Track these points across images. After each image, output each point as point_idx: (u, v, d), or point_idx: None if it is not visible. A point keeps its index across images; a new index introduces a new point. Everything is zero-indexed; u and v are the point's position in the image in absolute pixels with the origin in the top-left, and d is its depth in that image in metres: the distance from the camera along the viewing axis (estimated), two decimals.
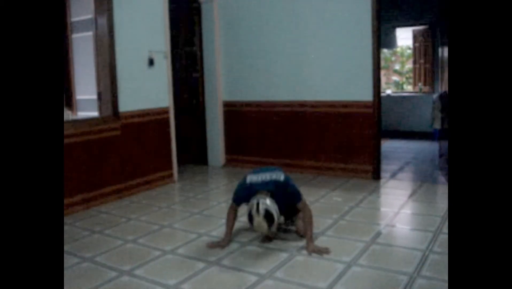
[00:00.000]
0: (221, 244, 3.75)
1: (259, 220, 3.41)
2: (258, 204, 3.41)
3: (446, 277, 3.04)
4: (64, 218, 4.61)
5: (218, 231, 4.10)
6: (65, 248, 3.83)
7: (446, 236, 3.81)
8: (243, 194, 3.71)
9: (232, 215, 3.80)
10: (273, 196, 3.55)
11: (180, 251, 3.72)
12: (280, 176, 3.68)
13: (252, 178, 3.70)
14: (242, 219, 4.02)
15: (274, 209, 3.44)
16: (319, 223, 4.20)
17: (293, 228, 3.97)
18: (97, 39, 5.31)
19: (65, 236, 4.12)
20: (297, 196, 3.71)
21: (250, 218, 3.47)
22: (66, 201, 4.71)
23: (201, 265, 3.41)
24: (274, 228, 3.55)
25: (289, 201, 3.71)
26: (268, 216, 3.41)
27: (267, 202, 3.43)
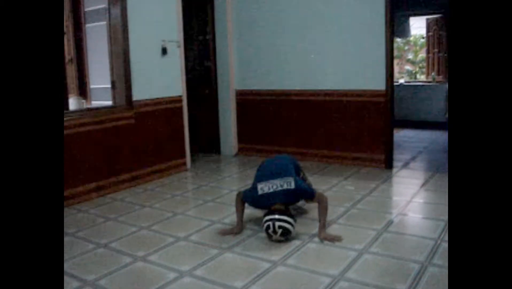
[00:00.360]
0: (234, 231, 3.79)
1: (276, 237, 3.48)
2: (274, 225, 3.43)
3: None
4: (79, 205, 4.69)
5: (231, 218, 4.14)
6: (80, 234, 3.90)
7: None
8: (254, 202, 3.74)
9: (241, 206, 3.84)
10: (286, 203, 3.61)
11: (193, 237, 3.77)
12: (291, 183, 3.60)
13: (263, 188, 3.62)
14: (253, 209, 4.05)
15: (290, 223, 3.47)
16: (332, 211, 4.22)
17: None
18: (110, 28, 5.35)
19: (80, 222, 4.20)
20: (309, 195, 3.69)
21: (267, 233, 3.52)
22: (81, 188, 4.78)
23: (214, 251, 3.46)
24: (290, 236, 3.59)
25: (302, 198, 3.76)
26: (285, 233, 3.47)
27: (283, 219, 3.44)
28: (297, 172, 3.98)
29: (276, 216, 3.44)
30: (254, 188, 3.71)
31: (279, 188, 3.58)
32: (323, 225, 3.64)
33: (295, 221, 3.54)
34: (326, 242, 3.54)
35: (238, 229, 3.81)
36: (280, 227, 3.42)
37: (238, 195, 3.89)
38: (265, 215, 3.53)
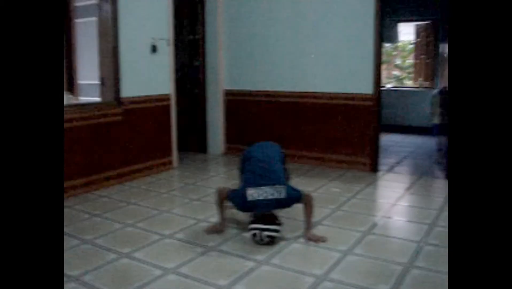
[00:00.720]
0: (218, 228, 3.80)
1: (263, 244, 3.50)
2: (261, 235, 3.44)
3: (440, 268, 3.11)
4: (65, 200, 4.66)
5: (217, 217, 4.14)
6: (66, 230, 3.88)
7: (441, 229, 3.87)
8: (242, 207, 3.65)
9: (223, 202, 3.77)
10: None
11: (179, 235, 3.77)
12: (281, 192, 3.51)
13: (253, 195, 3.51)
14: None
15: (276, 230, 3.49)
16: (317, 212, 4.24)
17: None
18: (100, 24, 5.33)
19: (66, 218, 4.17)
20: (298, 199, 3.63)
21: (253, 239, 3.53)
22: (67, 184, 4.76)
23: (199, 249, 3.47)
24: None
25: (291, 205, 3.70)
26: (271, 241, 3.50)
27: (270, 228, 3.45)
28: (283, 162, 3.96)
29: (263, 226, 3.43)
30: (243, 192, 3.57)
31: (270, 196, 3.49)
32: (309, 225, 3.67)
33: (281, 225, 3.55)
34: (311, 242, 3.56)
35: (222, 226, 3.82)
36: (267, 236, 3.44)
37: (220, 191, 3.80)
38: (252, 221, 3.50)
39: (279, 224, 3.51)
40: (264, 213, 3.48)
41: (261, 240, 3.45)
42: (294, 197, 3.60)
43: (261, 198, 3.49)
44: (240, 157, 4.09)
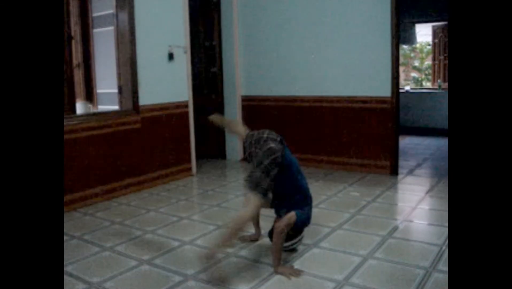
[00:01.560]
0: (252, 238, 3.74)
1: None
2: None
3: None
4: (85, 208, 4.71)
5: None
6: (86, 237, 3.92)
7: None
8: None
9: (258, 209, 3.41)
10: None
11: (199, 242, 3.78)
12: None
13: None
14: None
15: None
16: (336, 217, 4.24)
17: None
18: (118, 33, 5.39)
19: (86, 226, 4.22)
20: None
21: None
22: (87, 192, 4.81)
23: (219, 255, 3.46)
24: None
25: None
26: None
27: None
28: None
29: (296, 241, 3.43)
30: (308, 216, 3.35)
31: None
32: (274, 258, 3.23)
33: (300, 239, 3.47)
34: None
35: (257, 234, 3.76)
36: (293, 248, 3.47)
37: (257, 197, 3.12)
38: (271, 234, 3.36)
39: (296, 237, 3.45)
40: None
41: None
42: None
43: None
44: (270, 157, 3.26)
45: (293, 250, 3.48)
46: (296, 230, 3.33)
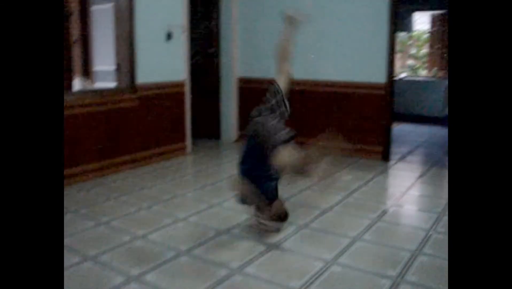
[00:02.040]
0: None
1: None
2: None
3: (447, 256, 3.16)
4: (81, 183, 4.78)
5: (230, 202, 4.23)
6: (82, 211, 3.99)
7: None
8: None
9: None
10: None
11: (192, 219, 3.87)
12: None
13: None
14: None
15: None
16: (328, 199, 4.33)
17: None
18: (116, 11, 5.40)
19: (82, 201, 4.29)
20: None
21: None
22: (83, 168, 4.87)
23: (212, 232, 3.56)
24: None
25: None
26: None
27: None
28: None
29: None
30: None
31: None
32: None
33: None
34: (320, 227, 3.56)
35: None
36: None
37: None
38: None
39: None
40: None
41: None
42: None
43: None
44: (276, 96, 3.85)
45: (278, 230, 3.56)
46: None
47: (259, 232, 3.55)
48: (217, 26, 7.04)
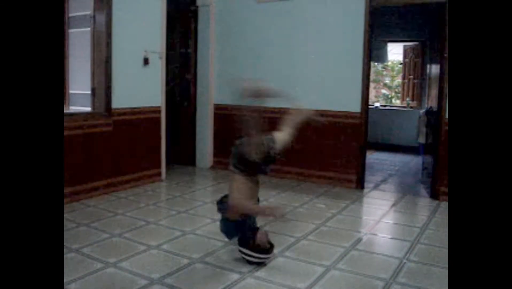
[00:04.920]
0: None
1: None
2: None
3: (420, 284, 3.18)
4: None
5: (203, 229, 4.20)
6: None
7: (423, 246, 3.95)
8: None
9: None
10: None
11: (165, 246, 3.81)
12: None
13: None
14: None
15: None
16: (302, 227, 4.32)
17: None
18: (94, 35, 5.39)
19: None
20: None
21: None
22: None
23: (185, 261, 3.51)
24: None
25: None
26: None
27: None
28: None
29: (265, 256, 3.45)
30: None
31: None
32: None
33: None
34: (293, 256, 3.56)
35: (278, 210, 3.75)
36: (263, 261, 3.49)
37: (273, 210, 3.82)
38: (246, 243, 3.47)
39: (272, 247, 3.50)
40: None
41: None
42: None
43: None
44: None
45: (263, 263, 3.49)
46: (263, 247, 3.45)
47: (236, 261, 3.51)
48: (194, 53, 7.08)
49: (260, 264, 3.44)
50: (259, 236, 3.42)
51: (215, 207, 3.74)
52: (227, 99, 6.98)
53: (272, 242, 3.55)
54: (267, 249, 3.46)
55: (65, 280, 3.10)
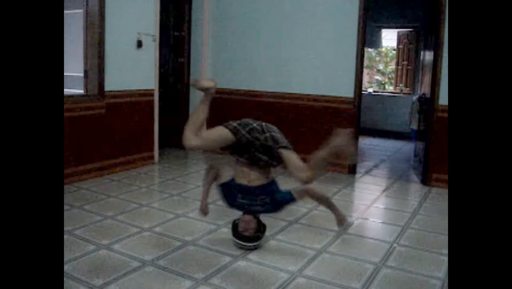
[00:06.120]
0: (202, 209, 3.67)
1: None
2: (242, 247, 3.45)
3: (409, 268, 3.23)
4: None
5: (196, 212, 4.21)
6: None
7: (413, 231, 4.00)
8: (231, 204, 3.53)
9: (211, 185, 3.62)
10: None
11: (158, 229, 3.83)
12: (266, 202, 3.41)
13: (240, 200, 3.45)
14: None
15: (256, 245, 3.46)
16: (293, 212, 4.35)
17: None
18: (87, 17, 5.33)
19: None
20: (288, 201, 3.48)
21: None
22: None
23: (177, 243, 3.53)
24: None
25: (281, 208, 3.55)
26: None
27: (251, 246, 3.44)
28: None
29: (245, 244, 3.43)
30: (233, 192, 3.47)
31: (256, 208, 3.44)
32: (336, 214, 3.54)
33: (261, 235, 3.52)
34: (283, 243, 3.62)
35: (204, 207, 3.64)
36: (247, 248, 3.46)
37: (212, 173, 3.59)
38: (234, 234, 3.48)
39: (258, 238, 3.47)
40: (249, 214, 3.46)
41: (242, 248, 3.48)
42: (283, 202, 3.46)
43: (246, 204, 3.45)
44: (232, 126, 3.43)
45: (255, 248, 3.50)
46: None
47: (228, 244, 3.55)
48: (188, 36, 7.04)
49: (248, 250, 3.45)
50: (242, 224, 3.44)
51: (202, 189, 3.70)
52: (221, 84, 6.95)
53: (265, 223, 3.58)
54: (249, 237, 3.42)
55: None
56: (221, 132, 3.33)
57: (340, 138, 3.22)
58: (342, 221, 3.50)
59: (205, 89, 3.46)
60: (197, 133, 3.24)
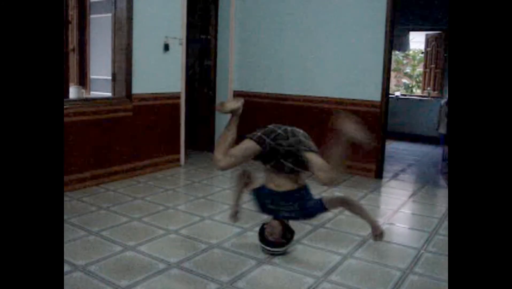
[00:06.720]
0: (232, 214, 3.72)
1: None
2: (266, 252, 3.43)
3: (438, 275, 3.17)
4: (73, 192, 4.75)
5: (221, 215, 4.23)
6: (73, 221, 3.97)
7: (442, 237, 3.93)
8: (262, 209, 3.49)
9: (243, 190, 3.62)
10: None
11: (183, 231, 3.85)
12: (295, 208, 3.34)
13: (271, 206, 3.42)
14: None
15: (278, 252, 3.44)
16: (319, 217, 4.31)
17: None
18: (115, 21, 5.42)
19: (73, 210, 4.27)
20: (319, 209, 3.40)
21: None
22: (75, 176, 4.85)
23: (203, 246, 3.54)
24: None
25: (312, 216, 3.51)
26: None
27: (276, 251, 3.42)
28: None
29: (270, 248, 3.40)
30: (264, 199, 3.43)
31: (286, 214, 3.39)
32: (371, 223, 3.41)
33: (289, 241, 3.49)
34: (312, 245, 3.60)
35: (235, 213, 3.68)
36: (271, 253, 3.44)
37: (243, 178, 3.60)
38: (261, 239, 3.46)
39: (282, 244, 3.44)
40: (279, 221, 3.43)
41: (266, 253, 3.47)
42: (313, 211, 3.38)
43: (274, 209, 3.42)
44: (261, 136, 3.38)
45: (275, 254, 3.47)
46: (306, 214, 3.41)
47: (254, 247, 3.54)
48: (215, 39, 7.08)
49: (273, 255, 3.43)
50: (268, 229, 3.42)
51: (232, 193, 3.72)
52: (247, 87, 6.98)
53: (293, 229, 3.55)
54: (274, 242, 3.40)
55: (85, 262, 3.17)
56: (248, 145, 3.31)
57: (346, 125, 3.12)
58: (377, 231, 3.39)
59: (232, 112, 3.40)
60: (226, 152, 3.22)
